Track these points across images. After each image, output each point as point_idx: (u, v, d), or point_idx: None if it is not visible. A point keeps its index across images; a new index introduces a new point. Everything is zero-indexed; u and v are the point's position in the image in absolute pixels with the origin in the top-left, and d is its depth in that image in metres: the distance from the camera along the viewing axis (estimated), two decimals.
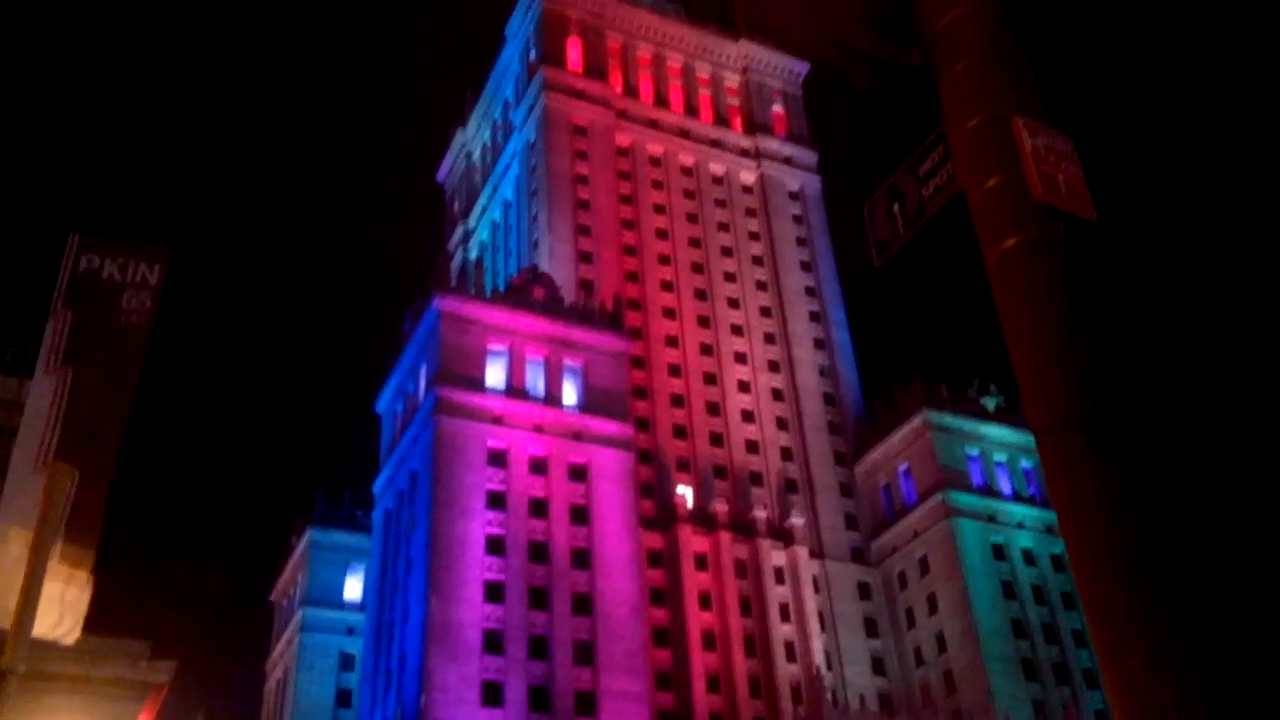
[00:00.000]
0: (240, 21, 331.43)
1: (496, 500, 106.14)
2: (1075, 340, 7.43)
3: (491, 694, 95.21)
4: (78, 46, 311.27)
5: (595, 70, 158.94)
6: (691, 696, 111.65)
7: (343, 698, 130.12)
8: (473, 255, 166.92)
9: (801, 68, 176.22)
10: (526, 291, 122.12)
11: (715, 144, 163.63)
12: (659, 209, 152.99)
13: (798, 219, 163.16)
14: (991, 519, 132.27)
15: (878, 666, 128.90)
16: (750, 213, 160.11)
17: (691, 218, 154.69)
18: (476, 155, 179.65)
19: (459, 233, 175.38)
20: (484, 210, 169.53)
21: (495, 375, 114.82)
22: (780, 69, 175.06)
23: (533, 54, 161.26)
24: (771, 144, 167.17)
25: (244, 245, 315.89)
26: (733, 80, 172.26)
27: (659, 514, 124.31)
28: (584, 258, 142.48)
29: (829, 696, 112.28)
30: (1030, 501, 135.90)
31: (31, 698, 18.65)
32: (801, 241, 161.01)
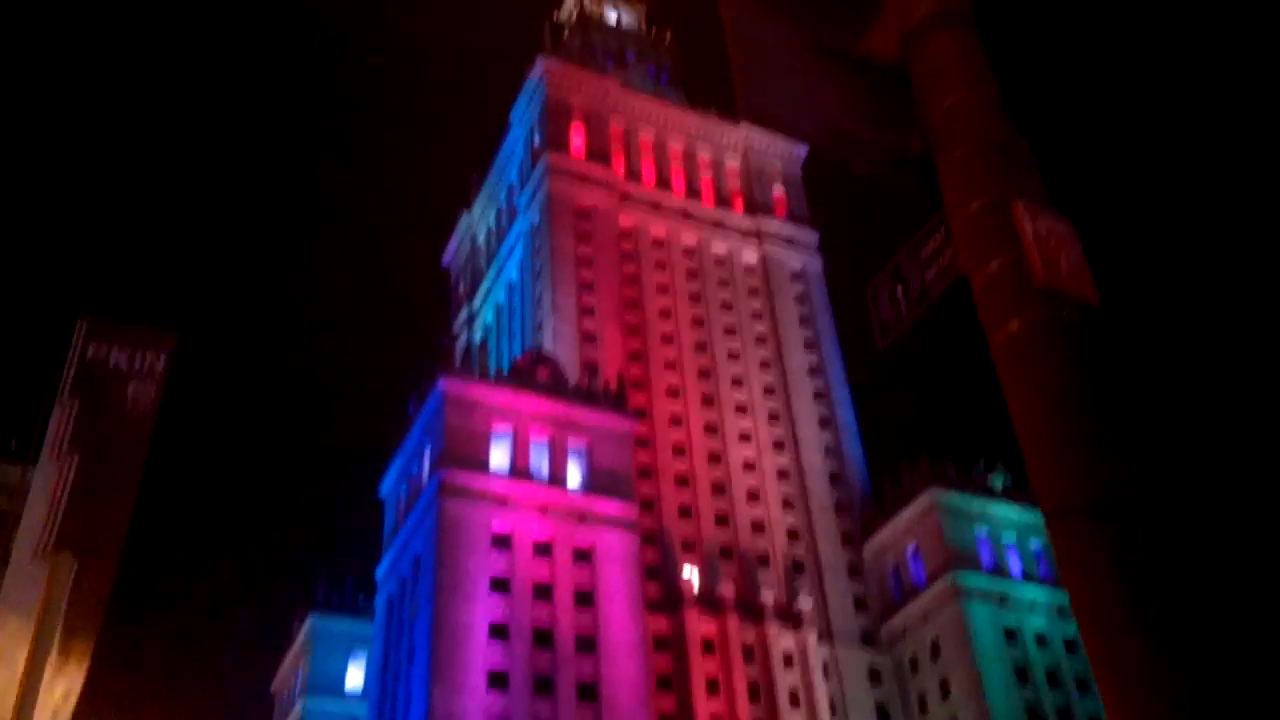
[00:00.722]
0: (248, 103, 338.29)
1: (500, 585, 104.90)
2: (1083, 422, 7.39)
3: None
4: (84, 129, 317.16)
5: (598, 154, 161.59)
6: None
7: None
8: (477, 337, 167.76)
9: (801, 151, 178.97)
10: (531, 373, 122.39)
11: (717, 225, 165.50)
12: (662, 289, 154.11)
13: (800, 299, 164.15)
14: (1003, 600, 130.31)
15: None
16: (753, 292, 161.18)
17: (694, 297, 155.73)
18: (481, 238, 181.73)
19: (464, 315, 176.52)
20: (488, 292, 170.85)
21: (499, 457, 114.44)
22: (780, 152, 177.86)
23: (537, 139, 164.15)
24: (773, 225, 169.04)
25: (249, 327, 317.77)
26: (734, 163, 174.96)
27: (664, 597, 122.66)
28: (588, 338, 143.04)
29: None
30: (1042, 582, 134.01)
31: None
32: (804, 321, 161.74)
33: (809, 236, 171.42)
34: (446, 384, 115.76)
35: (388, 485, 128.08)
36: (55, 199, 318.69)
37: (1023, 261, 8.11)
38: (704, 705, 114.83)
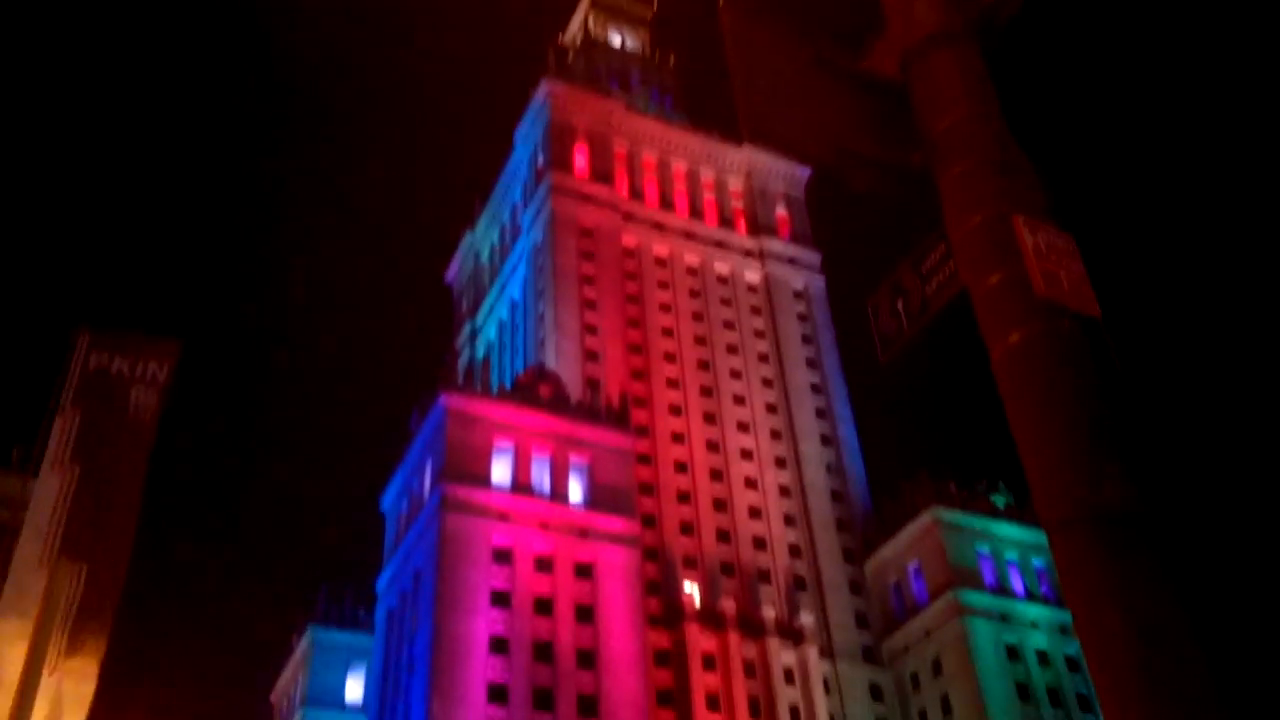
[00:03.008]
0: (254, 117, 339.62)
1: (501, 599, 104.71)
2: (1083, 434, 7.46)
3: None
4: (87, 138, 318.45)
5: (601, 174, 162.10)
6: None
7: None
8: (480, 354, 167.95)
9: (804, 171, 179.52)
10: (533, 389, 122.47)
11: (720, 245, 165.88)
12: (665, 308, 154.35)
13: (802, 317, 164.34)
14: (1004, 618, 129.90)
15: None
16: (755, 311, 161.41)
17: (697, 316, 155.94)
18: (485, 256, 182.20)
19: (466, 331, 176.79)
20: (491, 309, 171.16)
21: (501, 472, 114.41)
22: (783, 173, 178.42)
23: (540, 159, 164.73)
24: (775, 245, 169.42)
25: (251, 340, 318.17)
26: (736, 184, 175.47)
27: (665, 612, 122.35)
28: (590, 356, 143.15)
29: None
30: (1043, 601, 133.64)
31: None
32: (807, 339, 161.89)
33: (811, 256, 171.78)
34: (448, 399, 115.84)
35: (389, 499, 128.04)
36: (55, 208, 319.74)
37: (1023, 275, 8.19)
38: None
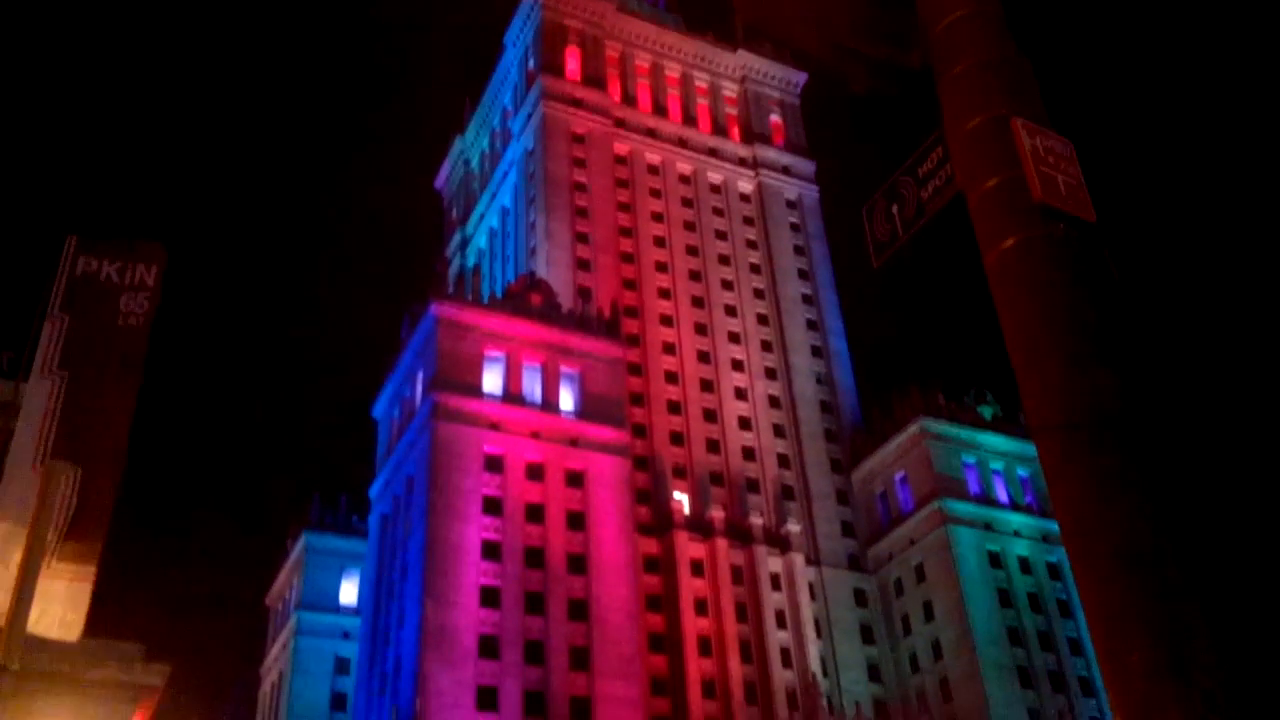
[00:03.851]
0: (240, 25, 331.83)
1: (493, 506, 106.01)
2: (1074, 339, 7.45)
3: (486, 698, 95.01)
4: (75, 46, 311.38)
5: (593, 79, 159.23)
6: (687, 702, 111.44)
7: (338, 701, 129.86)
8: (470, 262, 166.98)
9: (799, 78, 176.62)
10: (524, 298, 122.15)
11: (713, 153, 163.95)
12: (657, 217, 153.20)
13: (795, 227, 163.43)
14: (988, 527, 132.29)
15: (873, 673, 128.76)
16: (748, 221, 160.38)
17: (689, 226, 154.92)
18: (475, 162, 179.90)
19: (457, 239, 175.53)
20: (482, 217, 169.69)
21: (492, 381, 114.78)
22: (778, 79, 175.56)
23: (531, 63, 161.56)
24: (769, 154, 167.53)
25: (241, 249, 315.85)
26: (731, 90, 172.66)
27: (655, 520, 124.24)
28: (582, 265, 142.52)
29: (824, 703, 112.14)
30: (1027, 510, 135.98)
31: (25, 699, 18.59)
32: (799, 250, 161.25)
33: (805, 166, 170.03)
34: (439, 308, 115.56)
35: (381, 407, 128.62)
36: (43, 118, 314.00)
37: (1020, 179, 8.09)
38: (692, 624, 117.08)
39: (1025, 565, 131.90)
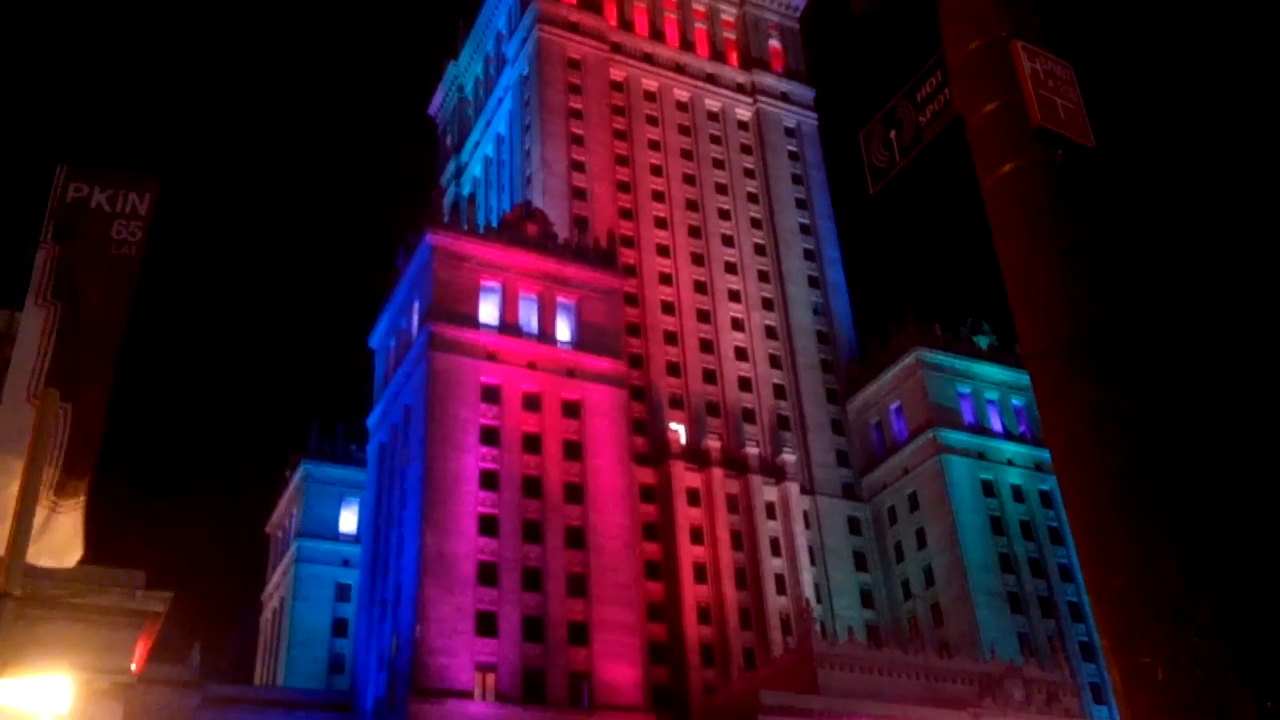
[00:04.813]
0: None
1: (490, 436, 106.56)
2: (1069, 266, 7.41)
3: (486, 624, 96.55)
4: None
5: (589, 2, 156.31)
6: (683, 627, 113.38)
7: (339, 627, 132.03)
8: (465, 190, 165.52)
9: (799, 1, 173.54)
10: (520, 227, 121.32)
11: (711, 79, 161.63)
12: (654, 145, 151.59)
13: (793, 156, 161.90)
14: (981, 456, 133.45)
15: (866, 599, 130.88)
16: (746, 149, 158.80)
17: (686, 154, 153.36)
18: (469, 88, 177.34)
19: (451, 167, 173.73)
20: (476, 145, 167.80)
21: (489, 312, 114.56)
22: (777, 3, 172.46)
23: None
24: (768, 80, 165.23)
25: (235, 178, 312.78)
26: (729, 14, 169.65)
27: (652, 450, 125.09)
28: (578, 194, 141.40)
29: (817, 628, 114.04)
30: (1020, 439, 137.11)
31: (28, 625, 18.83)
32: (797, 179, 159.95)
33: (804, 92, 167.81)
34: (434, 237, 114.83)
35: (377, 337, 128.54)
36: (32, 49, 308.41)
37: (1019, 103, 7.98)
38: (688, 551, 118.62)
39: (1018, 494, 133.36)
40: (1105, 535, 6.69)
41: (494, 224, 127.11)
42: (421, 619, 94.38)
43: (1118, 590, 6.50)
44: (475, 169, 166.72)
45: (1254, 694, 6.35)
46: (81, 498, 13.54)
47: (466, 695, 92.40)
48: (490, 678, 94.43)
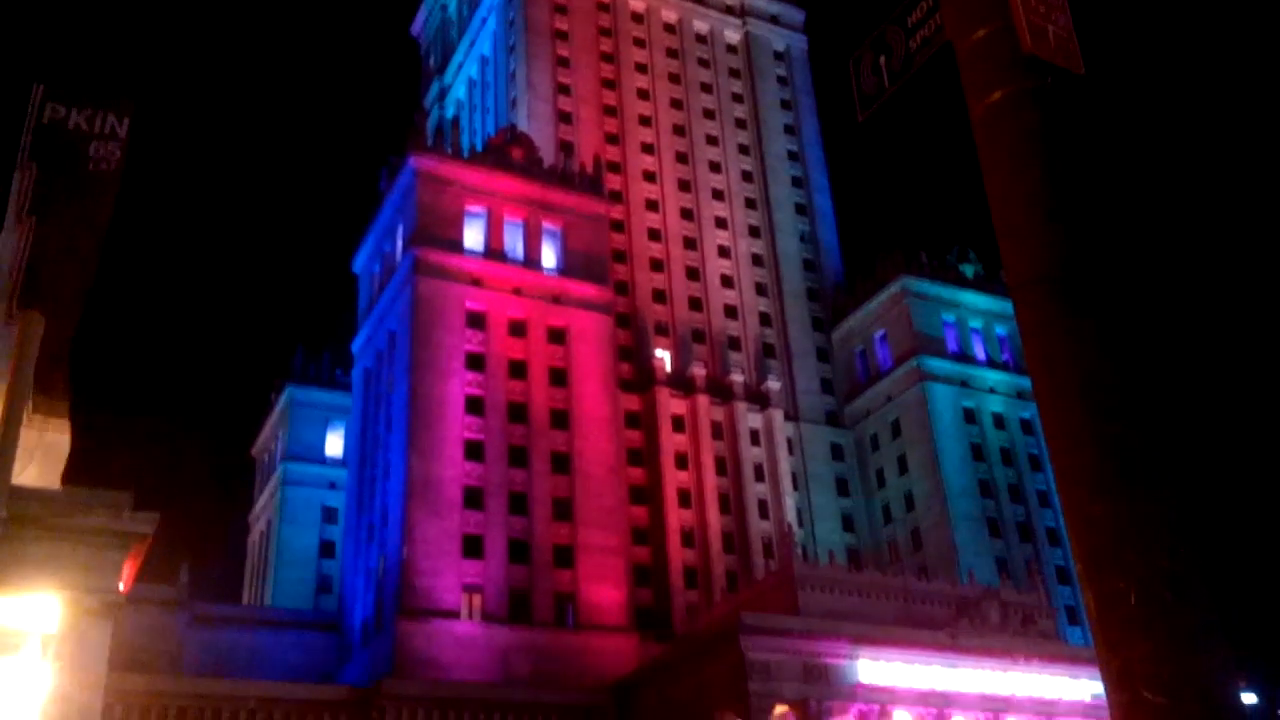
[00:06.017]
0: None
1: (475, 362, 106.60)
2: (1056, 195, 7.39)
3: (472, 546, 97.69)
4: None
5: None
6: (667, 551, 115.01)
7: (326, 548, 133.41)
8: (449, 113, 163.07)
9: None
10: (505, 152, 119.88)
11: (699, 0, 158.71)
12: (640, 68, 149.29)
13: (782, 81, 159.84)
14: (964, 384, 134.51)
15: (847, 524, 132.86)
16: (734, 74, 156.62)
17: (674, 78, 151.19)
18: (452, 7, 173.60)
19: (435, 89, 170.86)
20: (460, 66, 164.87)
21: (474, 237, 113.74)
22: None
23: None
24: (758, 1, 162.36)
25: (217, 99, 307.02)
26: None
27: (637, 377, 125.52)
28: (564, 118, 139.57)
29: (799, 552, 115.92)
30: (1003, 367, 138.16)
31: (15, 546, 18.98)
32: (786, 105, 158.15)
33: (794, 14, 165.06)
34: (418, 161, 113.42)
35: (360, 261, 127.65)
36: None
37: (1010, 29, 7.89)
38: (672, 477, 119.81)
39: (999, 421, 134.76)
40: (1083, 463, 6.79)
41: (478, 148, 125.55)
42: (408, 541, 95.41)
43: (1095, 517, 6.62)
44: (459, 91, 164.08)
45: (1224, 617, 6.51)
46: (65, 420, 13.61)
47: (453, 615, 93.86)
48: (477, 598, 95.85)
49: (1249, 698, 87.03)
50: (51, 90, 21.22)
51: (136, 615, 77.15)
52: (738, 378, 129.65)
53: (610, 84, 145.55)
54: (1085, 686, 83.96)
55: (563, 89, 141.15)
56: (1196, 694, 6.05)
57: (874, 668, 79.40)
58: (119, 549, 24.15)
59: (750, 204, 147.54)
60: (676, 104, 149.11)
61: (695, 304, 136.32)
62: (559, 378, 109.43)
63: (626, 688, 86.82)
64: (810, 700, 75.98)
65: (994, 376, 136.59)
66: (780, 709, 76.83)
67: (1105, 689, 6.46)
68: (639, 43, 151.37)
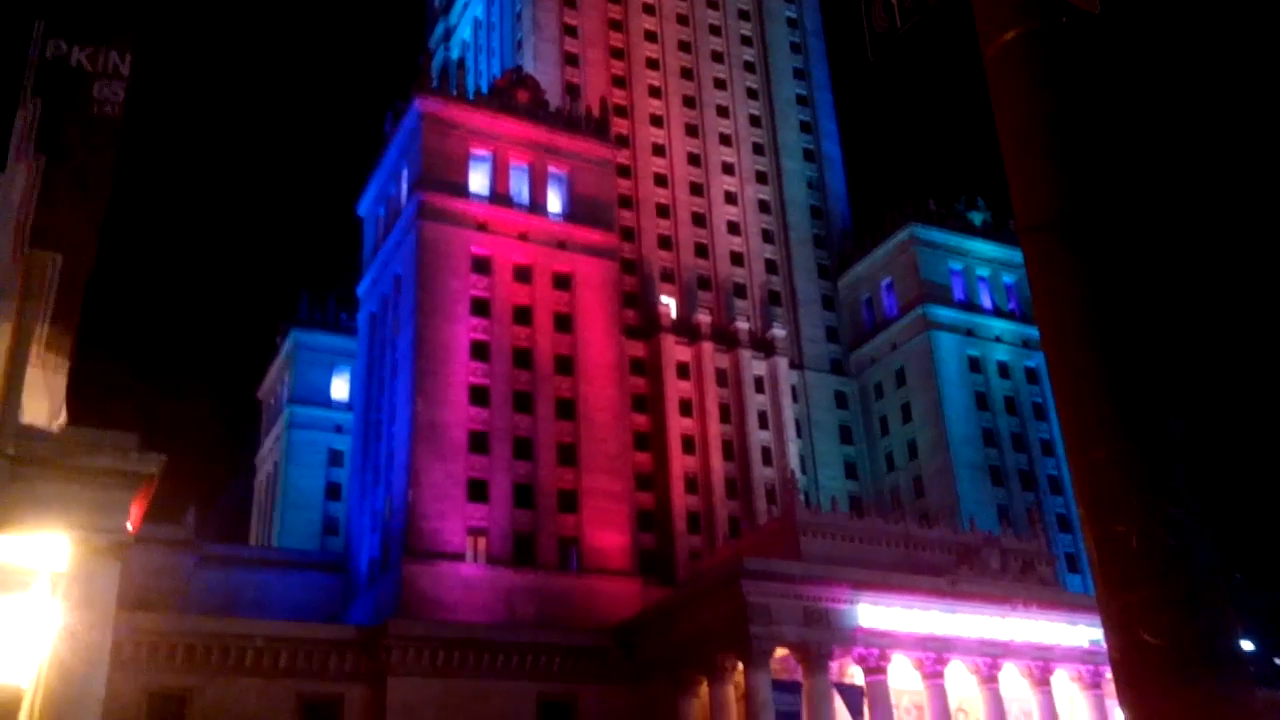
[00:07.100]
0: None
1: (480, 307, 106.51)
2: (1068, 137, 7.28)
3: (477, 490, 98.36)
4: None
5: None
6: (670, 496, 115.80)
7: (332, 490, 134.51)
8: (454, 54, 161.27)
9: None
10: (510, 94, 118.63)
11: None
12: (648, 9, 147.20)
13: (792, 23, 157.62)
14: (970, 333, 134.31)
15: (850, 471, 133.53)
16: (743, 15, 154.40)
17: (682, 19, 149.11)
18: None
19: (440, 30, 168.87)
20: (465, 6, 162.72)
21: (479, 181, 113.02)
22: None
23: None
24: None
25: (219, 40, 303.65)
26: None
27: (642, 323, 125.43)
28: (570, 60, 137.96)
29: (802, 498, 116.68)
30: (1009, 316, 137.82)
31: (24, 485, 19.11)
32: (795, 48, 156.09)
33: None
34: (423, 103, 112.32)
35: (365, 204, 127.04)
36: None
37: None
38: (677, 423, 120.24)
39: (1004, 370, 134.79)
40: (1088, 409, 6.76)
41: (484, 90, 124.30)
42: (414, 484, 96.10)
43: (1097, 461, 6.60)
44: (464, 32, 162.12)
45: (1224, 563, 6.52)
46: (66, 360, 13.60)
47: (458, 557, 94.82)
48: (481, 541, 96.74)
49: (1247, 645, 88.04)
50: (52, 25, 20.96)
51: (144, 555, 77.95)
52: (743, 325, 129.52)
53: (617, 25, 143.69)
54: (1083, 633, 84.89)
55: (569, 30, 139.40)
56: (1196, 638, 6.08)
57: (874, 612, 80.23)
58: (126, 489, 24.35)
59: (758, 149, 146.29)
60: (684, 46, 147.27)
61: (701, 250, 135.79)
62: (564, 323, 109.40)
63: (629, 630, 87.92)
64: (810, 644, 76.91)
65: (1000, 325, 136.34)
66: (781, 652, 77.84)
67: (1104, 632, 6.49)
68: None
